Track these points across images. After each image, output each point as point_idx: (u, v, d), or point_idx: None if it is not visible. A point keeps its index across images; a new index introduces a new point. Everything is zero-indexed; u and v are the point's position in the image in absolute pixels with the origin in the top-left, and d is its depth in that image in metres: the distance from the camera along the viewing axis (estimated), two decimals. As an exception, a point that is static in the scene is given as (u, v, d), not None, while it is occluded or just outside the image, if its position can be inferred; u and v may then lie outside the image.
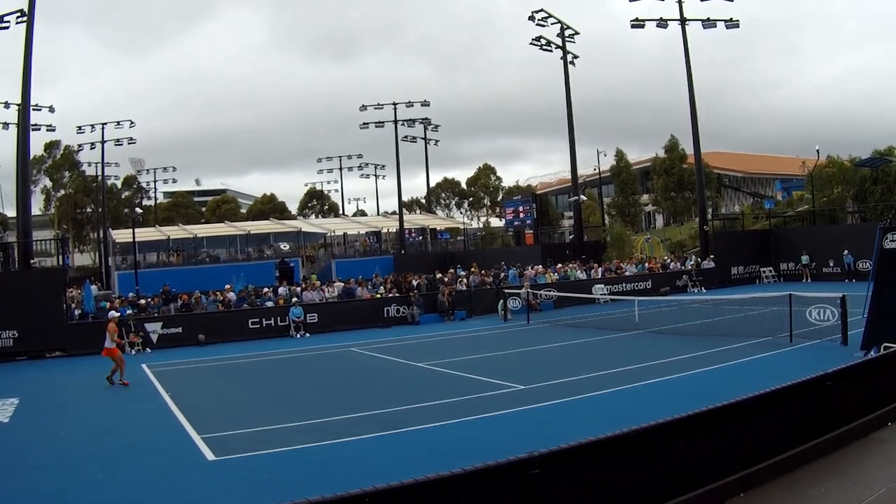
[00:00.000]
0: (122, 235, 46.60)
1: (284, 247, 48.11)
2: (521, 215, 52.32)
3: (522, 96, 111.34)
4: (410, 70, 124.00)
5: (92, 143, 51.89)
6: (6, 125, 39.52)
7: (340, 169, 70.12)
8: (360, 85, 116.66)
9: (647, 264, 34.18)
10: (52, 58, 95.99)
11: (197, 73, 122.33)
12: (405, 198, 64.24)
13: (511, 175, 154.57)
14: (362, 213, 75.19)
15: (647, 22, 35.13)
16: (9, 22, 27.08)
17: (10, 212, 56.59)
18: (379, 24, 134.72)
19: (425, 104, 51.03)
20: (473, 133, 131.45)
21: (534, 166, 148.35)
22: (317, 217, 76.62)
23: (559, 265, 32.46)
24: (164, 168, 66.53)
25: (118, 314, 16.48)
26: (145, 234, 49.09)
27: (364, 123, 51.91)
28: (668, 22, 35.05)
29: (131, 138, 51.87)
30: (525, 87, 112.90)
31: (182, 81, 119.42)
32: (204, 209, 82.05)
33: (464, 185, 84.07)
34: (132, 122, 50.64)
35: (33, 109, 32.12)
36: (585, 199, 51.65)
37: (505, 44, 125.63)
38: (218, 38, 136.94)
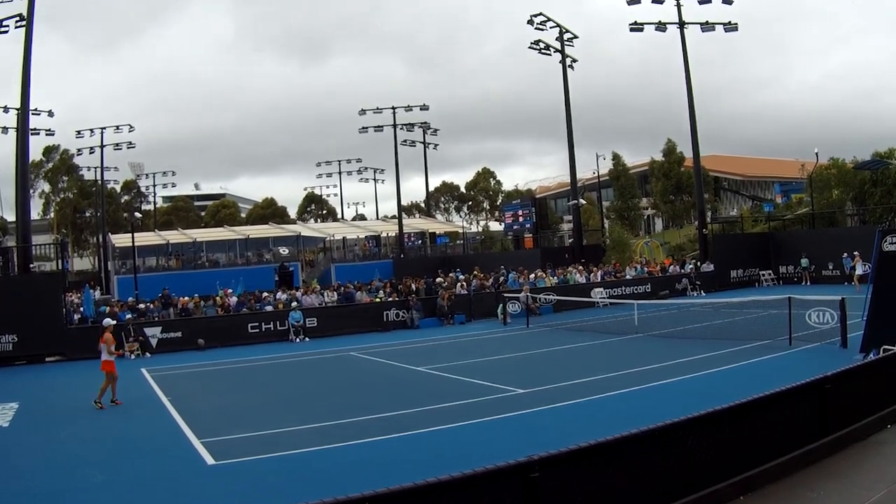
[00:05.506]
0: (121, 240, 46.64)
1: (284, 251, 48.14)
2: (521, 219, 52.38)
3: (511, 98, 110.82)
4: (396, 71, 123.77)
5: (91, 148, 51.93)
6: (5, 129, 39.58)
7: (339, 173, 70.03)
8: (344, 87, 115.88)
9: (646, 268, 34.20)
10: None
11: (171, 74, 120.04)
12: (404, 202, 64.35)
13: (505, 178, 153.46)
14: (361, 218, 75.22)
15: (645, 25, 35.18)
16: (8, 26, 27.12)
17: (10, 216, 56.59)
18: (354, 23, 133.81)
19: (424, 108, 51.03)
20: (462, 135, 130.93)
21: (527, 169, 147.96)
22: (316, 221, 76.66)
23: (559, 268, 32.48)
24: (164, 172, 66.56)
25: (114, 321, 14.65)
26: (145, 238, 49.23)
27: (363, 127, 51.89)
28: (667, 25, 35.09)
29: (130, 143, 52.02)
30: (513, 89, 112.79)
31: (157, 83, 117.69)
32: (203, 213, 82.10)
33: (462, 189, 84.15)
34: (131, 127, 50.81)
35: (32, 114, 32.14)
36: (585, 202, 51.65)
37: (493, 44, 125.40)
38: (188, 36, 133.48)
